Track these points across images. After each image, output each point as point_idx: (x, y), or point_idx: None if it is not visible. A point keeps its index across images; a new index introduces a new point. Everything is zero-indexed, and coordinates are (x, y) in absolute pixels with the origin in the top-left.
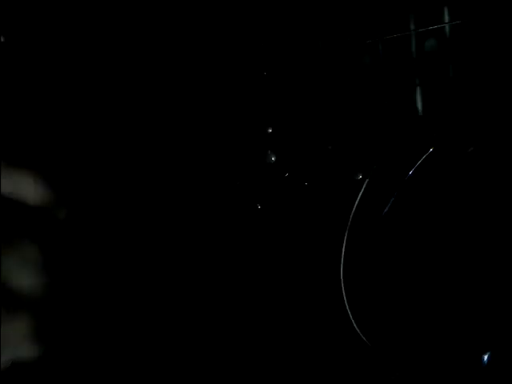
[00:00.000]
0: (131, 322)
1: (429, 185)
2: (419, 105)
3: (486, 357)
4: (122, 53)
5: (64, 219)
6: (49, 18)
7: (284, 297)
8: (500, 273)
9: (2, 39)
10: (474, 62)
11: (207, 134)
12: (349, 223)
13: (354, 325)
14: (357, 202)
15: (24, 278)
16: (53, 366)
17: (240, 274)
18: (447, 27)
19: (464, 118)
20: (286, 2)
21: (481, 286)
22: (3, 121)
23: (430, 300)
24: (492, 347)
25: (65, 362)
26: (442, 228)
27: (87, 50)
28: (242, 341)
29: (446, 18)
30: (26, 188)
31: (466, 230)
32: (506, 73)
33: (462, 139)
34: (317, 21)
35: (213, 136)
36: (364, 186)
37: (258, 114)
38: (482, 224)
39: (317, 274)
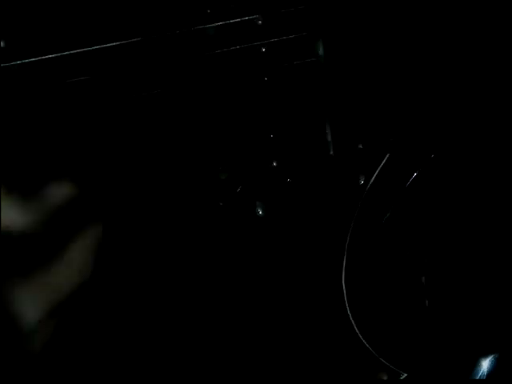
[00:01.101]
0: (130, 322)
1: (430, 190)
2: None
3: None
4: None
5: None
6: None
7: (285, 302)
8: (502, 276)
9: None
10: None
11: (208, 138)
12: (350, 229)
13: (356, 330)
14: (359, 207)
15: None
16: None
17: (241, 279)
18: None
19: (466, 123)
20: None
21: (484, 290)
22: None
23: (432, 304)
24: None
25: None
26: (444, 233)
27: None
28: (242, 343)
29: None
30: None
31: (467, 234)
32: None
33: (462, 144)
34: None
35: (214, 141)
36: (366, 191)
37: (260, 120)
38: (483, 228)
39: (318, 279)
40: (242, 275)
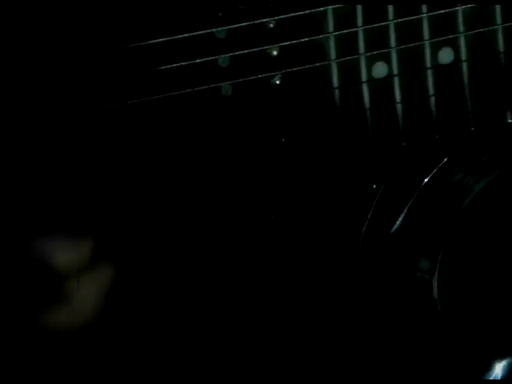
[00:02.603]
0: (130, 321)
1: (445, 194)
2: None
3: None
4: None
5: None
6: None
7: (291, 304)
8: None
9: None
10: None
11: (218, 142)
12: (362, 236)
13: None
14: (370, 213)
15: None
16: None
17: (248, 280)
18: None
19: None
20: None
21: (499, 294)
22: None
23: (445, 307)
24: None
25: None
26: (458, 239)
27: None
28: (248, 341)
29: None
30: None
31: (484, 236)
32: None
33: (476, 148)
34: None
35: (224, 144)
36: (378, 196)
37: (271, 124)
38: (498, 230)
39: (330, 284)
40: (249, 276)
